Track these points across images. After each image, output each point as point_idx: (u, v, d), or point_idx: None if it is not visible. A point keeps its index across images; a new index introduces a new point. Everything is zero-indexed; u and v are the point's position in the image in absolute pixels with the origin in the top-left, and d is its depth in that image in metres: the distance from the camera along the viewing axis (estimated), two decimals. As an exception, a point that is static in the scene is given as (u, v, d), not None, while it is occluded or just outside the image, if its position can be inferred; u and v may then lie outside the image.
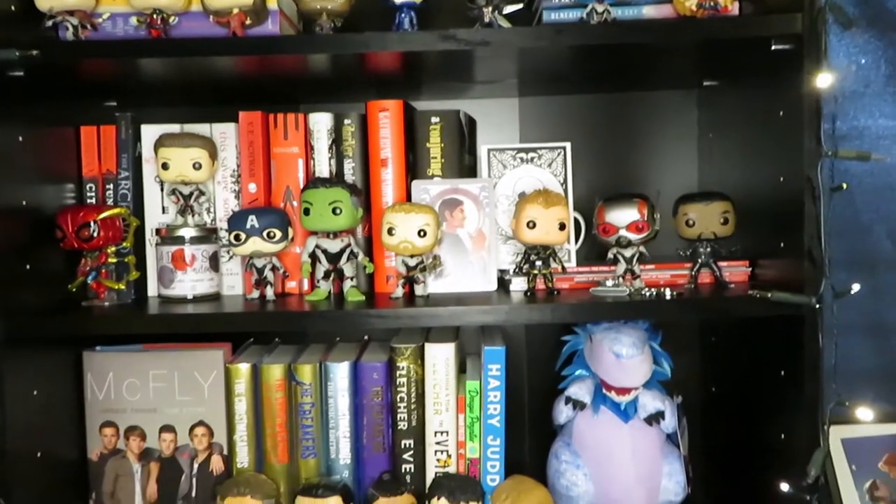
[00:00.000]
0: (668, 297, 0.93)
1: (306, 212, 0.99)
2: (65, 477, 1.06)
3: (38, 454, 0.98)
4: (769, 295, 0.88)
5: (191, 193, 1.04)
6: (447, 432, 1.07)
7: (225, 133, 1.10)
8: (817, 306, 0.86)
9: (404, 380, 1.07)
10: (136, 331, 0.96)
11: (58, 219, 0.99)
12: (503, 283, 1.08)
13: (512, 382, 1.08)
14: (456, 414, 1.07)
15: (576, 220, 1.11)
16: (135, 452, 1.08)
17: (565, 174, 1.11)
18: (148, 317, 0.95)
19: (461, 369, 1.12)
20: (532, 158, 1.11)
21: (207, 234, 1.04)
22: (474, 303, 0.94)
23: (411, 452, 1.08)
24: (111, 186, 1.08)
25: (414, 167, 1.09)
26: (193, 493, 1.08)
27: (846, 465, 1.17)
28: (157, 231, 1.04)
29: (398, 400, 1.07)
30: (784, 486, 0.92)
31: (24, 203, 0.96)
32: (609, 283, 0.98)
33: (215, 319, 0.94)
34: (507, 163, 1.12)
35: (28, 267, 0.96)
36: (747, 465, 1.06)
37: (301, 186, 1.07)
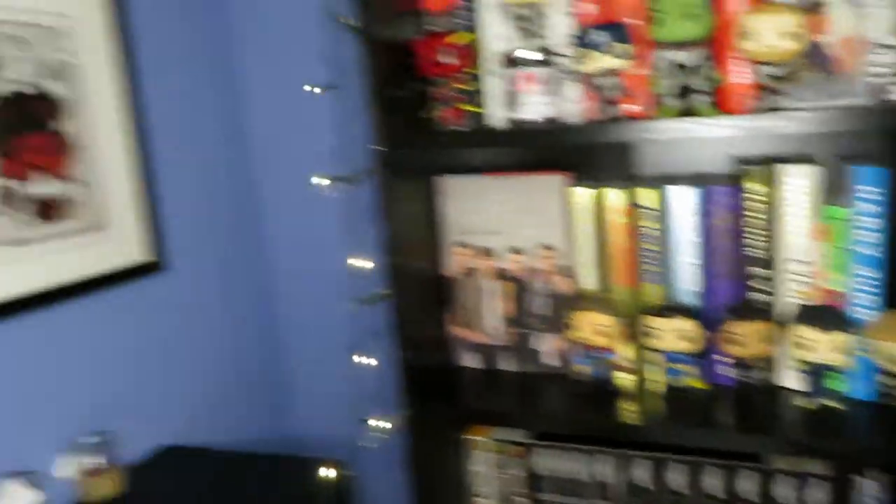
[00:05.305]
0: None
1: (656, 20, 0.94)
2: (429, 291, 1.20)
3: (413, 267, 1.12)
4: None
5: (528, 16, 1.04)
6: (804, 261, 0.99)
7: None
8: None
9: (755, 204, 1.00)
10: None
11: (414, 46, 1.07)
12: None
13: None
14: (815, 242, 0.98)
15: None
16: (486, 272, 1.18)
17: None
18: (504, 132, 1.01)
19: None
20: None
21: (549, 57, 1.04)
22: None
23: (762, 281, 1.02)
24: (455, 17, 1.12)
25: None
26: (543, 312, 1.15)
27: None
28: (501, 55, 1.06)
29: (747, 225, 1.01)
30: None
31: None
32: None
33: (565, 133, 0.96)
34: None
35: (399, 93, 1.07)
36: None
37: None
